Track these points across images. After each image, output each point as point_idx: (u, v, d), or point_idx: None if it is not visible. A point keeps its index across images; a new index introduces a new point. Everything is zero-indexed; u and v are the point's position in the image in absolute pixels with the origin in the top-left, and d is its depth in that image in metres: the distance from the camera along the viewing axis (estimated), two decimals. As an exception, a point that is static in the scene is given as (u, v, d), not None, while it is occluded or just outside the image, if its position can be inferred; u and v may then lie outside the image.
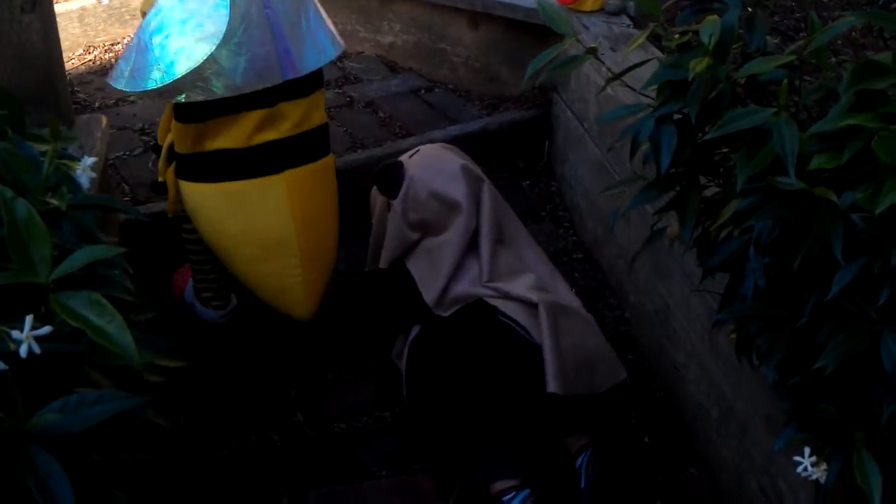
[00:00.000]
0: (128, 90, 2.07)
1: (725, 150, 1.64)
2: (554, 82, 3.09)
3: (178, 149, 2.24)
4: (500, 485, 2.04)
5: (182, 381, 2.31)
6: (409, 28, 3.55)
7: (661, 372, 2.41)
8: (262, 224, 2.25)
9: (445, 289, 2.26)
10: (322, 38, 2.22)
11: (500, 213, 2.42)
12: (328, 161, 2.38)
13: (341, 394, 2.40)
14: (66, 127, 2.43)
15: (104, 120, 2.49)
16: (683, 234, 1.60)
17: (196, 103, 2.11)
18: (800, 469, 1.44)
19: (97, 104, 3.32)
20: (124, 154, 3.03)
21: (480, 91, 3.41)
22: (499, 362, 2.11)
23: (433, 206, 2.34)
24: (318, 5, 2.28)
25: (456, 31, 3.43)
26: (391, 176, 2.41)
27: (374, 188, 2.51)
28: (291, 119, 2.23)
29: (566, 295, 2.30)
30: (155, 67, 2.02)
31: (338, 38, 2.29)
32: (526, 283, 2.23)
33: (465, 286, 2.25)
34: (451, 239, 2.31)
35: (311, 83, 2.25)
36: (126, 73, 2.06)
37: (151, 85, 2.03)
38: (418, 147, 2.54)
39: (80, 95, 3.36)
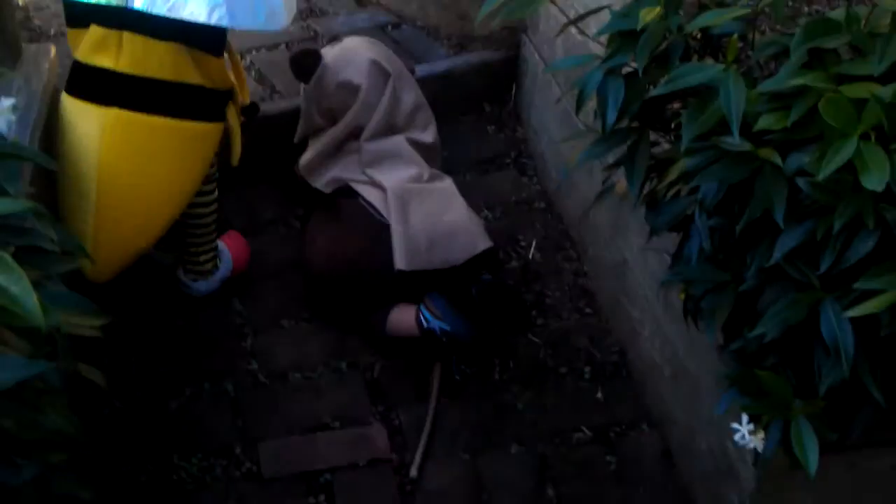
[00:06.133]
0: (270, 29, 2.11)
1: (678, 105, 1.58)
2: (524, 23, 2.98)
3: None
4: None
5: (134, 329, 2.30)
6: (377, -39, 3.42)
7: (617, 327, 2.38)
8: (75, 149, 2.10)
9: (320, 163, 2.52)
10: None
11: (401, 107, 2.56)
12: (171, 123, 2.11)
13: (297, 342, 2.36)
14: (11, 59, 2.33)
15: (52, 50, 2.37)
16: (631, 191, 1.55)
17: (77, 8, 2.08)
18: (737, 437, 1.41)
19: (52, 31, 3.17)
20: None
21: (449, 29, 3.29)
22: (360, 241, 2.35)
23: (339, 96, 2.52)
24: None
25: (426, -34, 3.30)
26: (305, 62, 2.55)
27: None
28: (132, 55, 2.06)
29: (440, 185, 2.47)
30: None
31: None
32: (399, 176, 2.41)
33: (339, 171, 2.49)
34: (339, 124, 2.52)
35: (174, 30, 2.04)
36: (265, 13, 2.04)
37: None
38: (344, 38, 2.70)
39: (36, 22, 3.22)
